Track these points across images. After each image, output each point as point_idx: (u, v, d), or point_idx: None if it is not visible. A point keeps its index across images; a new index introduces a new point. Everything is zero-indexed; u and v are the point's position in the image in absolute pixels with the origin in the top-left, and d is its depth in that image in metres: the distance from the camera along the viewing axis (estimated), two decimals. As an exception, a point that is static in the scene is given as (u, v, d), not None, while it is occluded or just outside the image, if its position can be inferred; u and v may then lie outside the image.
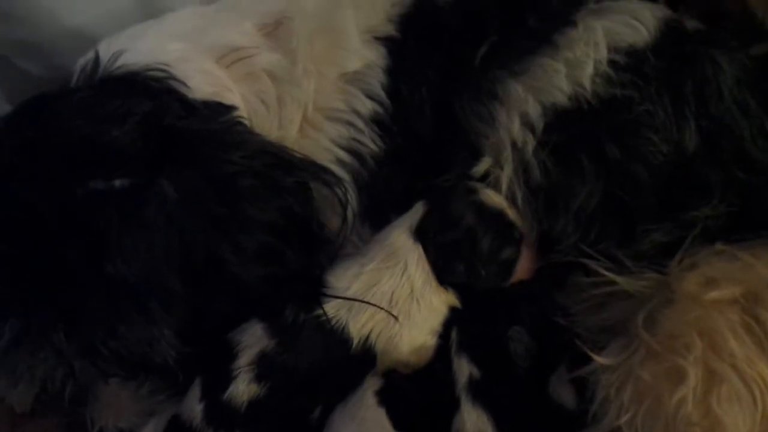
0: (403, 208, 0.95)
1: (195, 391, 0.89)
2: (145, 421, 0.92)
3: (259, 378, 0.87)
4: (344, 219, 0.92)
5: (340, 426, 0.88)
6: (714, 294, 0.81)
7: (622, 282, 0.87)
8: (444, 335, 0.92)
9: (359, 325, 0.89)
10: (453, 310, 0.93)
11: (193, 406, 0.88)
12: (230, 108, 0.92)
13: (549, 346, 0.90)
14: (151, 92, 0.88)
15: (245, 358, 0.88)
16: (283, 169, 0.90)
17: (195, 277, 0.84)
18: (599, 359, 0.83)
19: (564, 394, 0.88)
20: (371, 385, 0.91)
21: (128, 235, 0.81)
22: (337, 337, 0.89)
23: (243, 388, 0.87)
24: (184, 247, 0.83)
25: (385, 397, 0.90)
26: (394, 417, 0.88)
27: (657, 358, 0.81)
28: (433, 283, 0.91)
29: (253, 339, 0.89)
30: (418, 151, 0.97)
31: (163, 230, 0.82)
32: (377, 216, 0.97)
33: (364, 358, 0.90)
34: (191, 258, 0.83)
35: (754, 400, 0.78)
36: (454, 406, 0.88)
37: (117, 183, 0.81)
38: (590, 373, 0.85)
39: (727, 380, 0.78)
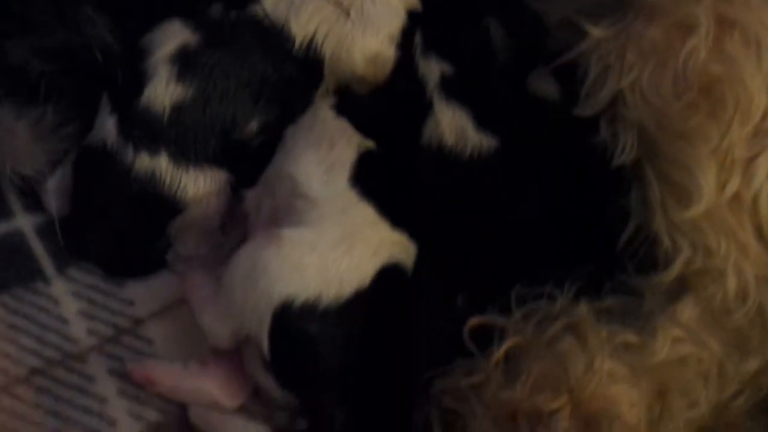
0: None
1: (104, 107, 0.73)
2: (51, 169, 0.77)
3: (181, 76, 0.72)
4: None
5: (299, 140, 0.73)
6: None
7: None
8: (403, 46, 0.78)
9: (302, 21, 0.74)
10: (412, 15, 0.79)
11: (104, 122, 0.72)
12: None
13: (525, 39, 0.77)
14: None
15: (161, 53, 0.72)
16: None
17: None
18: (595, 31, 0.71)
19: (545, 87, 0.75)
20: (324, 102, 0.77)
21: None
22: (275, 36, 0.74)
23: (162, 90, 0.72)
24: None
25: (343, 109, 0.76)
26: (356, 127, 0.75)
27: (663, 13, 0.70)
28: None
29: (170, 33, 0.73)
30: None
31: None
32: None
33: (310, 64, 0.75)
34: None
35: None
36: (423, 113, 0.76)
37: None
38: (582, 54, 0.74)
39: (740, 25, 0.69)
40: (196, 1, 0.75)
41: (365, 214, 0.69)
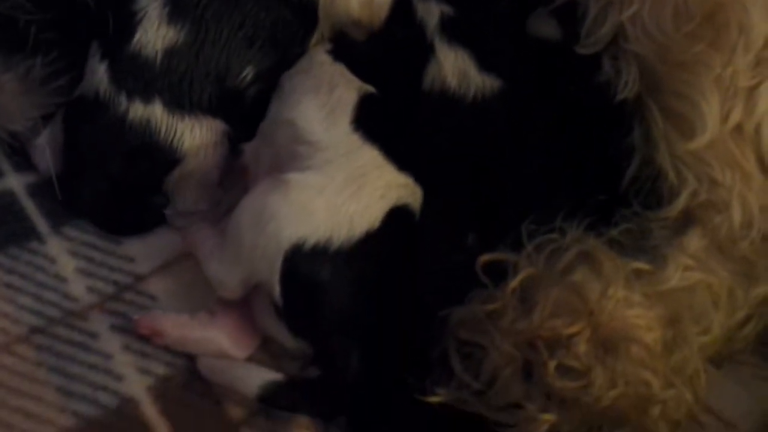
0: None
1: (94, 54, 0.71)
2: (40, 125, 0.74)
3: (172, 18, 0.70)
4: None
5: (296, 85, 0.71)
6: None
7: None
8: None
9: (296, -37, 0.75)
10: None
11: (95, 70, 0.70)
12: None
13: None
14: None
15: (148, -1, 0.72)
16: None
17: None
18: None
19: (546, 27, 0.75)
20: (320, 47, 0.76)
21: None
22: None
23: (153, 33, 0.70)
24: None
25: (339, 55, 0.75)
26: (354, 73, 0.74)
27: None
28: None
29: (156, -23, 0.74)
30: None
31: None
32: None
33: (304, 7, 0.74)
34: None
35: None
36: (424, 57, 0.74)
37: None
38: None
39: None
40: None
41: (370, 156, 0.69)
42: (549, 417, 0.58)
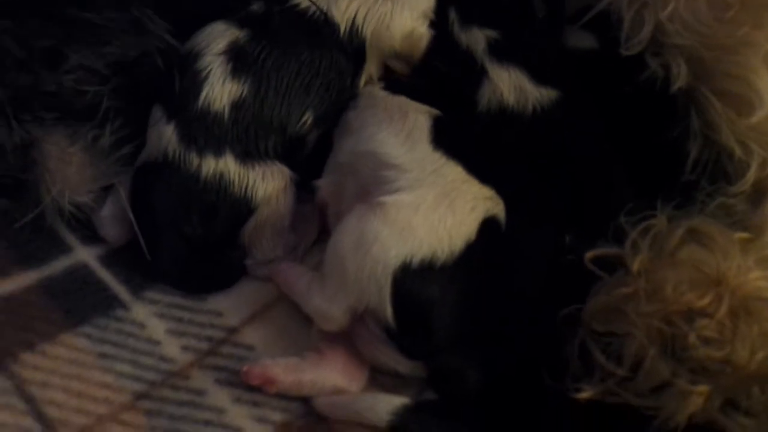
0: None
1: (157, 117, 0.71)
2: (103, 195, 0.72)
3: (236, 73, 0.71)
4: None
5: (365, 121, 0.71)
6: None
7: None
8: (437, 24, 0.80)
9: (342, 7, 0.75)
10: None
11: (162, 133, 0.70)
12: None
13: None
14: None
15: (213, 52, 0.71)
16: None
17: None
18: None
19: (583, 40, 0.79)
20: (373, 86, 0.77)
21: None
22: (320, 25, 0.74)
23: (219, 89, 0.71)
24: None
25: (394, 88, 0.76)
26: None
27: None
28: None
29: (216, 33, 0.73)
30: None
31: None
32: None
33: (355, 49, 0.75)
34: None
35: None
36: (477, 81, 0.77)
37: None
38: (611, 3, 0.77)
39: None
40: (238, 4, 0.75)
41: (455, 172, 0.70)
42: (702, 388, 0.59)
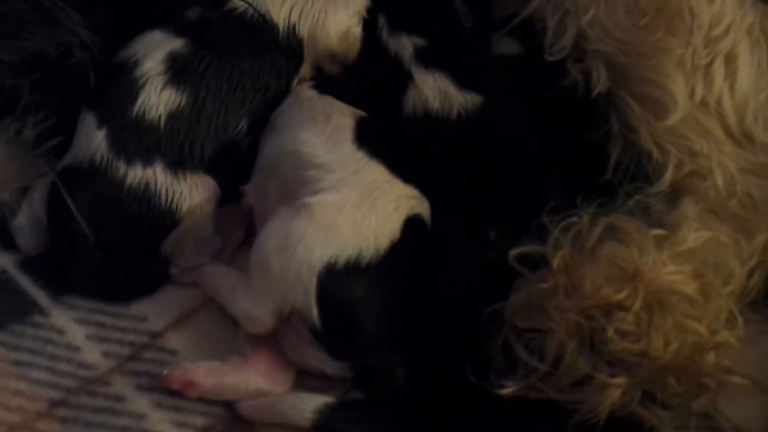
0: None
1: (87, 122, 0.70)
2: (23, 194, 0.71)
3: (174, 82, 0.70)
4: None
5: (290, 121, 0.71)
6: None
7: None
8: (368, 27, 0.79)
9: (278, 6, 0.75)
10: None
11: (91, 138, 0.69)
12: None
13: (481, 7, 0.82)
14: None
15: (151, 61, 0.71)
16: None
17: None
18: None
19: (508, 46, 0.80)
20: (302, 86, 0.77)
21: None
22: (260, 28, 0.74)
23: (156, 98, 0.70)
24: None
25: (323, 89, 0.77)
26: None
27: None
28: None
29: (155, 42, 0.72)
30: None
31: None
32: None
33: (293, 49, 0.75)
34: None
35: None
36: (403, 85, 0.76)
37: None
38: (536, 10, 0.78)
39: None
40: (170, 6, 0.74)
41: (378, 172, 0.70)
42: (620, 381, 0.60)
